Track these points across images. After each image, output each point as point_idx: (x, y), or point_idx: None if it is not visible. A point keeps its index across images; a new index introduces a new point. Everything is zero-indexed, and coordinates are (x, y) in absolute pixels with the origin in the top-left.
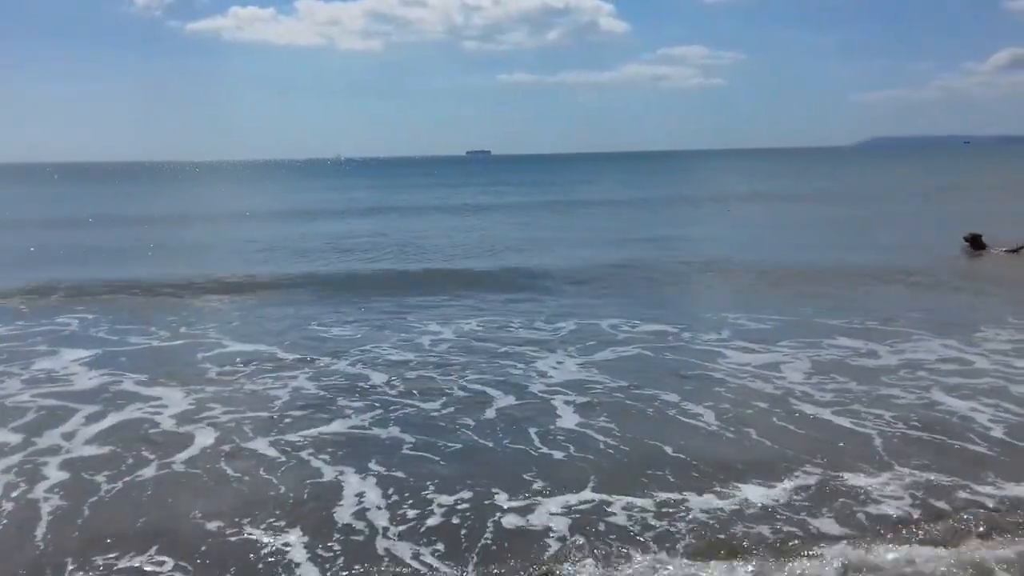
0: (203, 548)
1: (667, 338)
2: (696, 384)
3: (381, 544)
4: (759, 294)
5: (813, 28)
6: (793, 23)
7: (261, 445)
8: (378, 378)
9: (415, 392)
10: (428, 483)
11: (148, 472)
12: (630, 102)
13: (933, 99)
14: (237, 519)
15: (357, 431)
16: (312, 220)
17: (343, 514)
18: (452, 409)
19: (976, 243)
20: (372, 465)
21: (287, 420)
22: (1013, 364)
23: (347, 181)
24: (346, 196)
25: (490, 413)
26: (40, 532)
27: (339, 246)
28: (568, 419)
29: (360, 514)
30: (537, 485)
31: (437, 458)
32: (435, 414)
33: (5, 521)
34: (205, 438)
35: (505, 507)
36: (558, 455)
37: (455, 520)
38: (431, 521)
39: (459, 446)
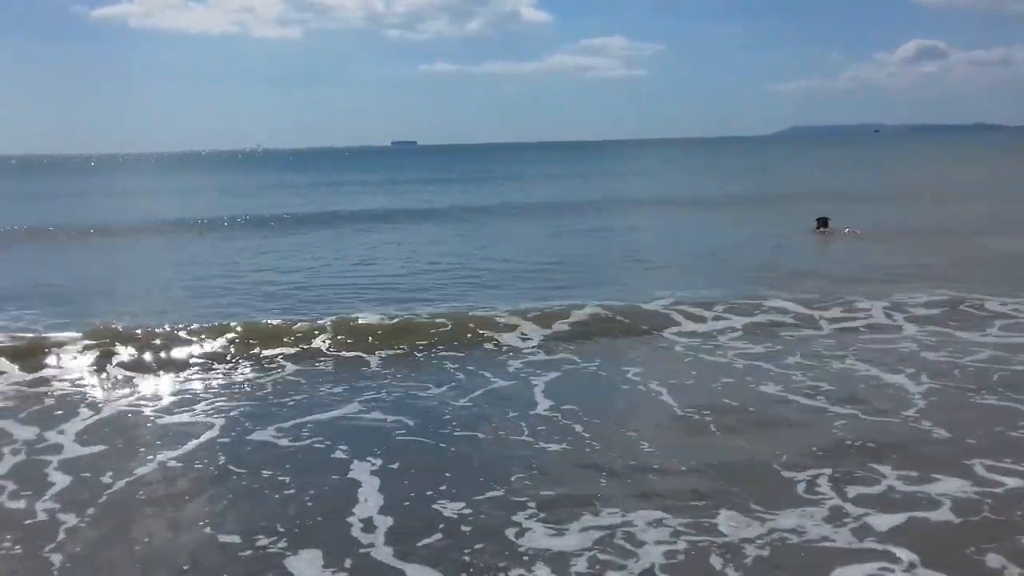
0: (208, 565)
1: None
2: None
3: (388, 564)
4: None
5: (730, 19)
6: (710, 14)
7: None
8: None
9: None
10: (432, 486)
11: (145, 472)
12: (554, 92)
13: (846, 88)
14: (244, 534)
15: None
16: (248, 234)
17: (353, 527)
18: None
19: (823, 225)
20: (374, 459)
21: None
22: (933, 330)
23: (275, 176)
24: (279, 199)
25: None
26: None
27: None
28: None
29: (368, 525)
30: (542, 491)
31: (439, 449)
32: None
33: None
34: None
35: (511, 519)
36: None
37: (464, 529)
38: (434, 537)
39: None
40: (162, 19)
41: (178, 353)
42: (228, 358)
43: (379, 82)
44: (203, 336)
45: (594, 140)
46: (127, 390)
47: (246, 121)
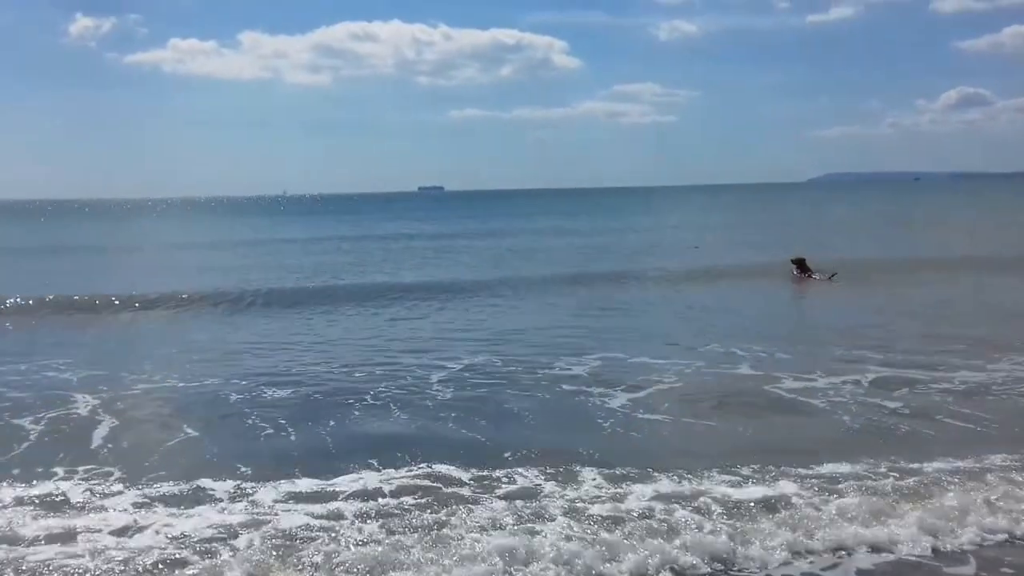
0: None
1: None
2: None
3: None
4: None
5: (767, 65)
6: (746, 61)
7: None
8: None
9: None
10: None
11: None
12: (586, 138)
13: (886, 136)
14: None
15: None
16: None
17: None
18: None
19: (802, 267)
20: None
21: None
22: None
23: (299, 225)
24: (311, 254)
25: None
26: None
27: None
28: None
29: None
30: None
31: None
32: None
33: None
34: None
35: None
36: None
37: None
38: None
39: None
40: (194, 65)
41: None
42: None
43: (407, 128)
44: None
45: (627, 187)
46: None
47: (274, 167)
